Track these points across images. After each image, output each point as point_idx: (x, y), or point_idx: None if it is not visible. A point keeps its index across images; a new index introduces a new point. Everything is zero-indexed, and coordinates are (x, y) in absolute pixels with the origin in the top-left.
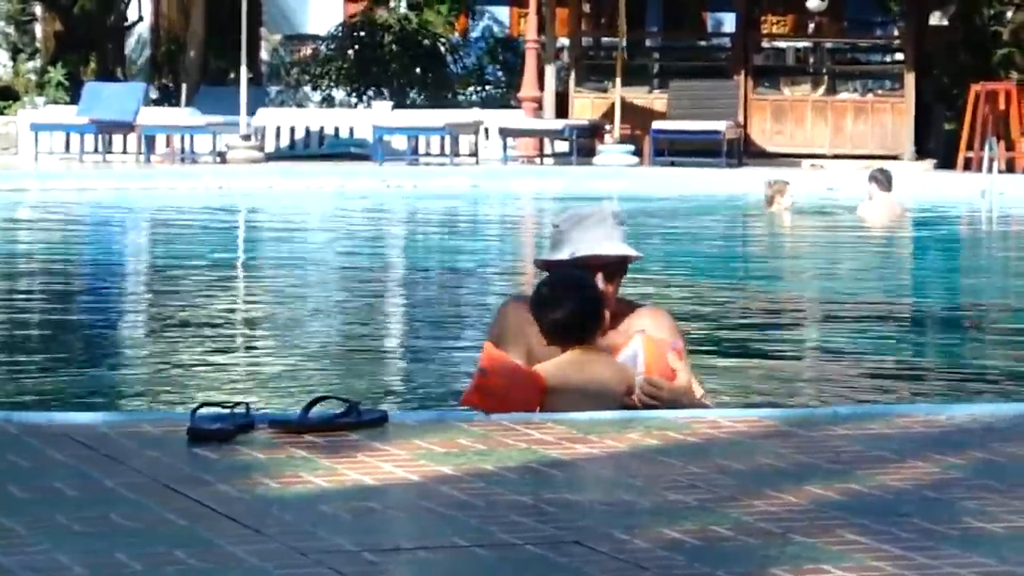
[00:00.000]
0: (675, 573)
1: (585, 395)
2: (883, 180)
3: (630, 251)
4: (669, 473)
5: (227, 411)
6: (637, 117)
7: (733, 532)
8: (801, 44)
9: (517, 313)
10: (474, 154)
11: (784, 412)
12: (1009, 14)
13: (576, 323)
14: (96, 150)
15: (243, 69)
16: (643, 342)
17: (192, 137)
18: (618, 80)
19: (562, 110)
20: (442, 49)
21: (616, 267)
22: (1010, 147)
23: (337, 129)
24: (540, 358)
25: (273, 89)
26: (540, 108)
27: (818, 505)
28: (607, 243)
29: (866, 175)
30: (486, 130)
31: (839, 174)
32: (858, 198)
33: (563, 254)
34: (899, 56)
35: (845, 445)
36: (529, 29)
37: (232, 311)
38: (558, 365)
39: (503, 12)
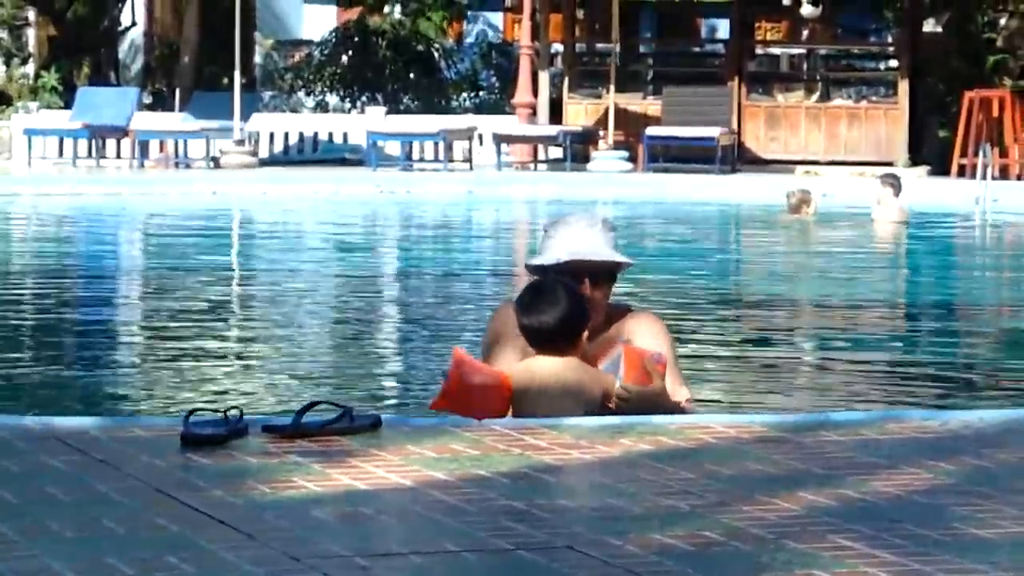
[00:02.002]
0: None
1: (556, 399)
2: (896, 185)
3: (618, 257)
4: (661, 479)
5: (220, 416)
6: (631, 123)
7: (725, 538)
8: (795, 50)
9: (511, 317)
10: (468, 160)
11: (776, 418)
12: (1003, 21)
13: (556, 331)
14: (89, 155)
15: (236, 74)
16: (624, 351)
17: (186, 142)
18: (612, 86)
19: (556, 116)
20: (436, 55)
21: (604, 273)
22: (1004, 154)
23: (331, 134)
24: None
25: (267, 94)
26: (534, 114)
27: (810, 511)
28: (595, 248)
29: (875, 181)
30: (480, 136)
31: (834, 181)
32: (854, 203)
33: (551, 259)
34: (893, 63)
35: (838, 451)
36: (523, 35)
37: (226, 316)
38: (528, 367)
39: (497, 18)
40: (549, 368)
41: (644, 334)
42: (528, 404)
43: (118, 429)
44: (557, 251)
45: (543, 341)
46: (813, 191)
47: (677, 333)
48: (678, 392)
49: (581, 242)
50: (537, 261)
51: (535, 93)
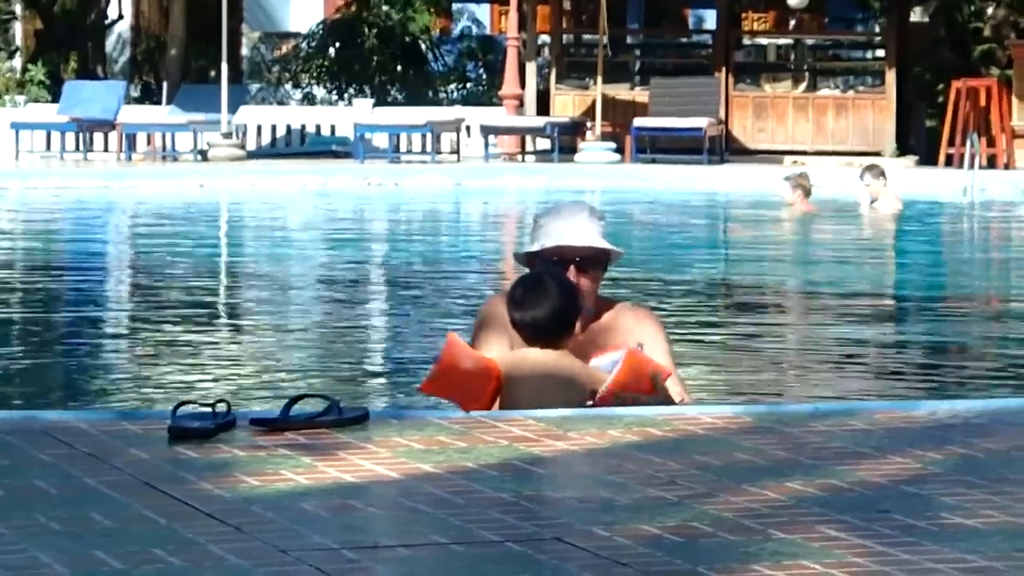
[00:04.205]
0: (655, 569)
1: (545, 390)
2: (884, 175)
3: (604, 244)
4: (649, 469)
5: (208, 409)
6: (618, 114)
7: (713, 528)
8: (783, 41)
9: (500, 309)
10: (456, 152)
11: (764, 408)
12: (990, 10)
13: (548, 325)
14: (77, 149)
15: (224, 67)
16: (627, 355)
17: (173, 135)
18: (599, 77)
19: (543, 107)
20: (423, 47)
21: (591, 261)
22: (991, 143)
23: (318, 127)
24: None
25: (254, 87)
26: (521, 105)
27: (798, 501)
28: (579, 235)
29: (864, 172)
30: (468, 128)
31: (821, 171)
32: (847, 194)
33: (538, 246)
34: (880, 52)
35: (826, 441)
36: (510, 26)
37: (214, 309)
38: (518, 357)
39: (484, 9)
40: (539, 359)
41: (639, 330)
42: (517, 395)
43: (106, 423)
44: (544, 238)
45: (535, 335)
46: (806, 173)
47: (665, 323)
48: (674, 390)
49: (567, 228)
50: (525, 249)
51: (522, 84)
